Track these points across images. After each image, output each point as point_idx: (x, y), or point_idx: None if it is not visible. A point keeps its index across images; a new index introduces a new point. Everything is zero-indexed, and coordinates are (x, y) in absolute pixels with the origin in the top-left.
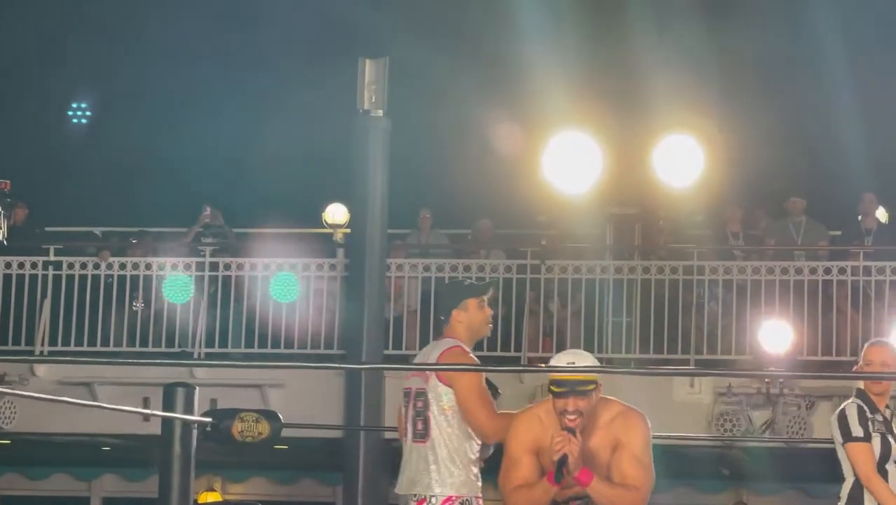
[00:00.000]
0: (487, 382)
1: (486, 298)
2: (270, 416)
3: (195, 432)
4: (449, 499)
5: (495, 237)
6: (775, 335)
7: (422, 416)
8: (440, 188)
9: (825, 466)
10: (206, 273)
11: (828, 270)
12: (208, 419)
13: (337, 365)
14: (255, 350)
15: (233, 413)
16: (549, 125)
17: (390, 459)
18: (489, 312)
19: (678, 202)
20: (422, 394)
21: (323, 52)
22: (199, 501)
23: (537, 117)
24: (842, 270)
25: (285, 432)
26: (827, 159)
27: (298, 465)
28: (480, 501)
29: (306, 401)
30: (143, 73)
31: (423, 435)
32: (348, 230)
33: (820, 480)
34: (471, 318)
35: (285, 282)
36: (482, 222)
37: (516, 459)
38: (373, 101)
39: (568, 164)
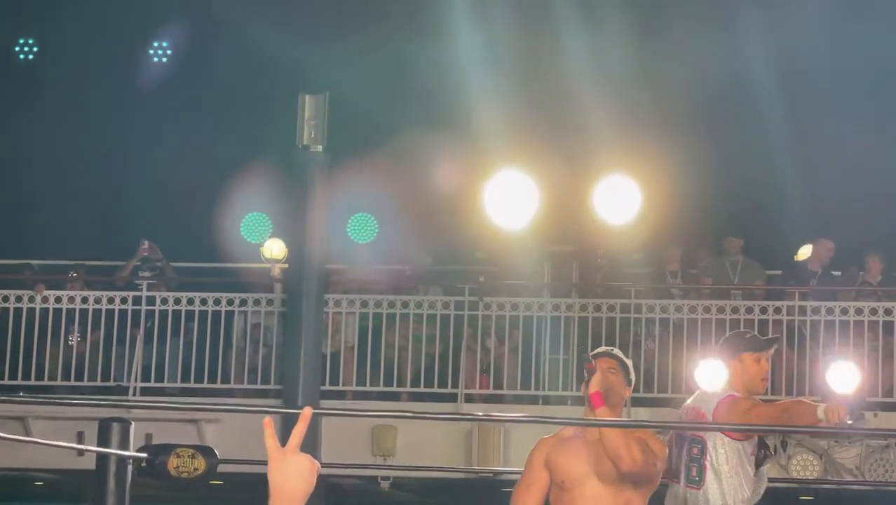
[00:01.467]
0: (761, 441)
1: (764, 354)
2: (207, 451)
3: (130, 468)
4: None
5: (433, 273)
6: (712, 374)
7: (697, 462)
8: (380, 224)
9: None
10: (143, 307)
11: (764, 310)
12: (144, 455)
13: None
14: (192, 384)
15: (169, 449)
16: (488, 163)
17: (325, 495)
18: (766, 368)
19: (616, 240)
20: (698, 441)
21: (262, 87)
22: None
23: (476, 155)
24: (777, 310)
25: (221, 468)
26: (764, 199)
27: (234, 500)
28: None
29: (243, 436)
30: (80, 105)
31: (697, 482)
32: (286, 265)
33: None
34: (745, 370)
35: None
36: (420, 259)
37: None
38: (312, 136)
39: (506, 201)
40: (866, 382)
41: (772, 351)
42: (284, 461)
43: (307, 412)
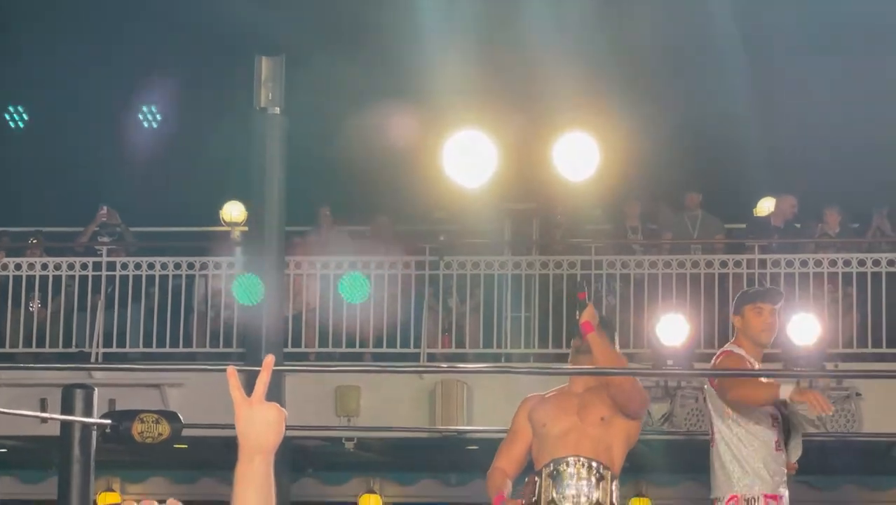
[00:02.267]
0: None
1: (764, 306)
2: (170, 416)
3: (94, 434)
4: (733, 498)
5: (394, 233)
6: (672, 328)
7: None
8: (339, 185)
9: None
10: (104, 273)
11: (724, 264)
12: (108, 421)
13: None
14: (154, 349)
15: (132, 414)
16: (446, 122)
17: (290, 457)
18: (768, 319)
19: (576, 197)
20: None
21: (219, 50)
22: (99, 503)
23: (435, 114)
24: (738, 264)
25: (185, 432)
26: (723, 154)
27: (198, 464)
28: (773, 499)
29: (206, 400)
30: (37, 72)
31: (710, 437)
32: (246, 228)
33: None
34: (745, 323)
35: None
36: (379, 218)
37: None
38: (269, 98)
39: (465, 160)
40: (826, 334)
41: (773, 303)
42: (251, 411)
43: (269, 360)
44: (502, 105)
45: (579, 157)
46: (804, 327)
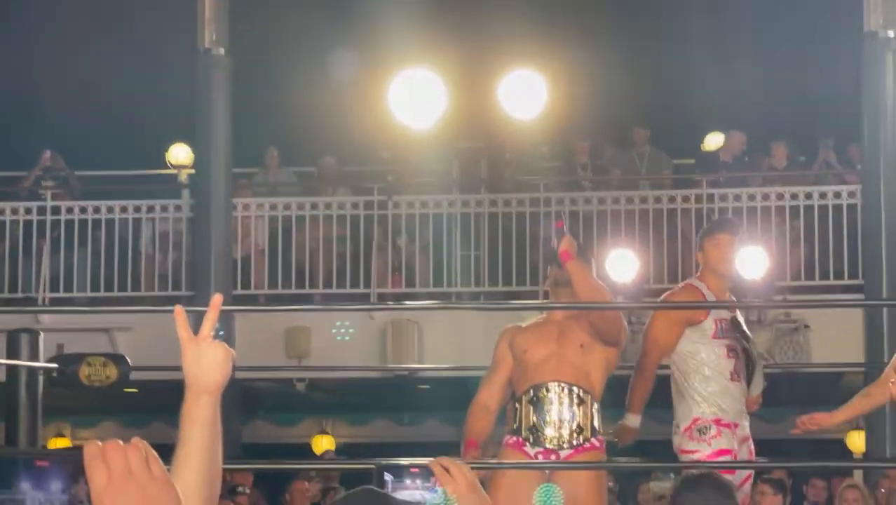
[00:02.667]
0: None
1: (721, 237)
2: (118, 359)
3: (41, 378)
4: (687, 428)
5: (342, 174)
6: (622, 264)
7: None
8: (286, 126)
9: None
10: (48, 217)
11: (672, 199)
12: (54, 365)
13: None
14: (102, 293)
15: (79, 358)
16: (393, 61)
17: (241, 399)
18: (724, 250)
19: (524, 135)
20: None
21: None
22: (49, 448)
23: (381, 53)
24: (686, 199)
25: (136, 375)
26: (671, 90)
27: (150, 408)
28: (726, 427)
29: (155, 344)
30: None
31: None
32: (193, 171)
33: None
34: (706, 257)
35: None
36: (326, 159)
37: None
38: (213, 39)
39: (412, 99)
40: (775, 267)
41: (730, 233)
42: (198, 350)
43: (217, 299)
44: (449, 43)
45: (527, 95)
46: (753, 260)
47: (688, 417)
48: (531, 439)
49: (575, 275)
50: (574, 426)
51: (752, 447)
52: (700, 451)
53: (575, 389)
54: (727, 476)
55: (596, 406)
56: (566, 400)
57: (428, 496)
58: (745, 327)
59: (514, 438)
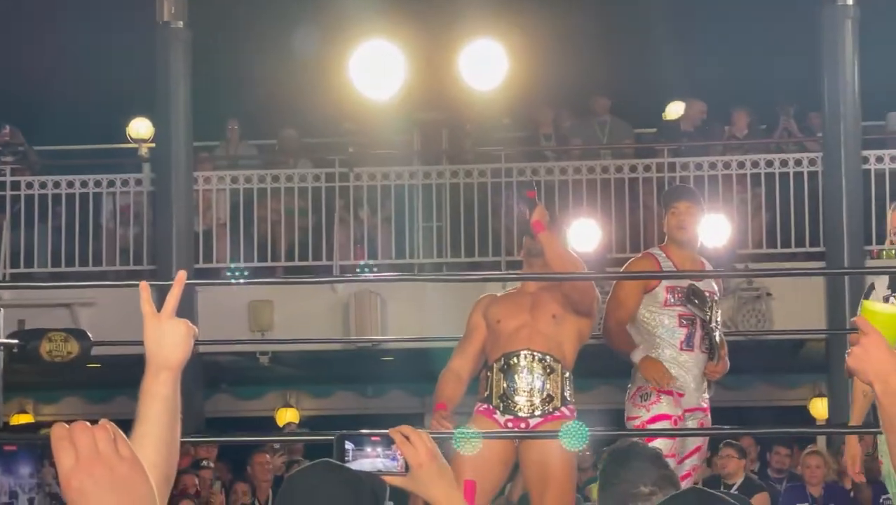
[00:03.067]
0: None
1: (676, 206)
2: (79, 334)
3: (2, 355)
4: (633, 395)
5: (302, 146)
6: (584, 234)
7: None
8: (246, 99)
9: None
10: (8, 192)
11: (634, 168)
12: (15, 341)
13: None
14: (63, 269)
15: (40, 333)
16: (353, 33)
17: (204, 373)
18: (679, 218)
19: (484, 106)
20: None
21: None
22: (12, 424)
23: (341, 24)
24: (647, 168)
25: (98, 351)
26: (631, 59)
27: (113, 383)
28: (668, 394)
29: (118, 319)
30: None
31: None
32: (153, 144)
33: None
34: (667, 226)
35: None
36: (287, 132)
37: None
38: (173, 12)
39: (373, 70)
40: (736, 235)
41: (687, 200)
42: (160, 326)
43: (181, 275)
44: (409, 15)
45: (487, 66)
46: (715, 229)
47: (635, 384)
48: (501, 407)
49: (547, 246)
50: (544, 395)
51: (706, 420)
52: (640, 416)
53: (547, 357)
54: (656, 444)
55: (567, 375)
56: (537, 369)
57: (388, 463)
58: (707, 296)
59: (485, 406)
